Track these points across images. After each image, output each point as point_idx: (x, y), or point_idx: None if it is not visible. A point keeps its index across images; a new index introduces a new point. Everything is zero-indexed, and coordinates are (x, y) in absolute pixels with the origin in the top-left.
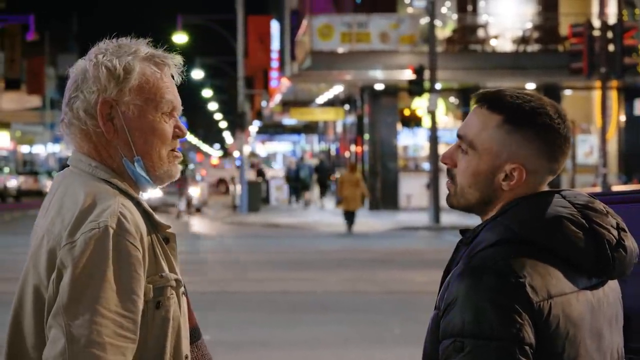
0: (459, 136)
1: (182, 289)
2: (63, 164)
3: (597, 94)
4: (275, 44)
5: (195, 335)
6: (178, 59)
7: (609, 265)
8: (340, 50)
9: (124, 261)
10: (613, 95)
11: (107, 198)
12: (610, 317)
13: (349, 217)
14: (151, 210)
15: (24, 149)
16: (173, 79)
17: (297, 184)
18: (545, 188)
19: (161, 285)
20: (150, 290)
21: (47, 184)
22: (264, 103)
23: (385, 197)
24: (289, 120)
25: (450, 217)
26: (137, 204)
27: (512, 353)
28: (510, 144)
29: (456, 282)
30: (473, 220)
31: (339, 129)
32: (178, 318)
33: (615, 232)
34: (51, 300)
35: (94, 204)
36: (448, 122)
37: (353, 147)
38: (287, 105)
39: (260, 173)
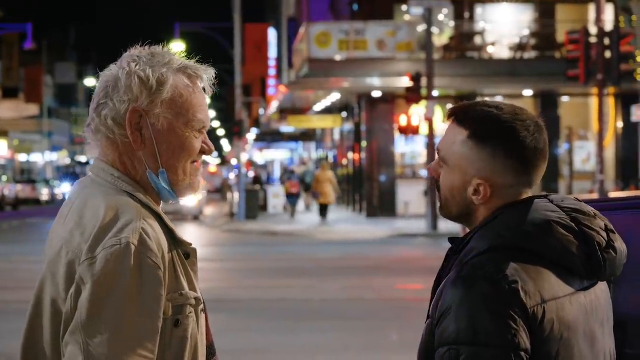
0: (437, 150)
1: (202, 306)
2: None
3: (594, 101)
4: (272, 52)
5: (211, 352)
6: (211, 72)
7: (600, 267)
8: (338, 57)
9: (145, 279)
10: (610, 101)
11: (130, 212)
12: (602, 319)
13: (323, 209)
14: (173, 226)
15: (22, 157)
16: (205, 91)
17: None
18: (529, 195)
19: (180, 303)
20: (170, 308)
21: (44, 192)
22: (261, 111)
23: (382, 204)
24: (286, 128)
25: (447, 225)
26: (160, 219)
27: (509, 359)
28: (476, 161)
29: (449, 290)
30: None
31: (337, 136)
32: (196, 337)
33: (604, 234)
34: (69, 315)
35: (116, 218)
36: (445, 130)
37: (350, 155)
38: (285, 112)
39: (258, 180)
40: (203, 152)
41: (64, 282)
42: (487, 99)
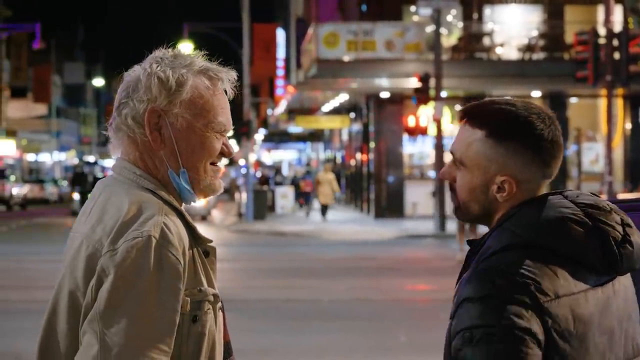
0: (451, 152)
1: (220, 304)
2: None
3: (602, 102)
4: (281, 52)
5: (227, 351)
6: (232, 74)
7: (616, 262)
8: (346, 58)
9: (164, 272)
10: (619, 103)
11: (152, 208)
12: (621, 314)
13: (324, 208)
14: (194, 223)
15: (30, 157)
16: (226, 93)
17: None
18: (544, 191)
19: (199, 299)
20: (188, 303)
21: (53, 192)
22: (269, 111)
23: (391, 205)
24: (294, 128)
25: (455, 225)
26: (181, 216)
27: (523, 340)
28: (497, 158)
29: (464, 286)
30: (480, 228)
31: (345, 137)
32: (213, 333)
33: (620, 229)
34: (88, 306)
35: (138, 213)
36: (454, 130)
37: (358, 155)
38: (293, 113)
39: (266, 181)
40: (223, 154)
41: (82, 274)
42: None
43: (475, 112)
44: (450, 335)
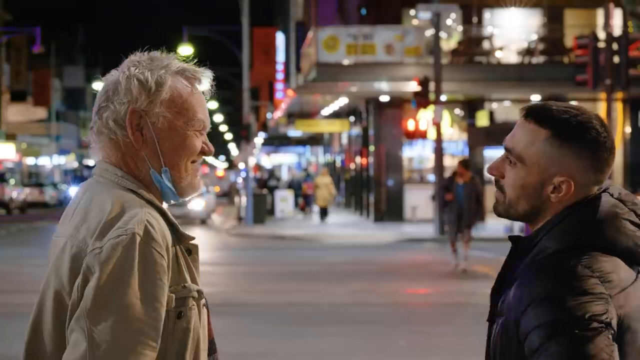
0: (506, 149)
1: (203, 300)
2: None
3: (602, 106)
4: (280, 56)
5: (212, 348)
6: (209, 74)
7: None
8: (346, 62)
9: (149, 269)
10: (618, 107)
11: (135, 206)
12: None
13: (323, 211)
14: (176, 222)
15: (30, 160)
16: (203, 94)
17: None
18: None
19: (183, 295)
20: (173, 300)
21: (52, 195)
22: (269, 115)
23: (390, 208)
24: (294, 132)
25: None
26: (163, 214)
27: (603, 332)
28: (559, 158)
29: (531, 286)
30: (485, 232)
31: (344, 140)
32: (198, 329)
33: None
34: (74, 305)
35: (121, 212)
36: (453, 134)
37: (358, 159)
38: (293, 117)
39: (264, 185)
40: (203, 152)
41: (68, 274)
42: (494, 104)
43: (542, 112)
44: (510, 331)
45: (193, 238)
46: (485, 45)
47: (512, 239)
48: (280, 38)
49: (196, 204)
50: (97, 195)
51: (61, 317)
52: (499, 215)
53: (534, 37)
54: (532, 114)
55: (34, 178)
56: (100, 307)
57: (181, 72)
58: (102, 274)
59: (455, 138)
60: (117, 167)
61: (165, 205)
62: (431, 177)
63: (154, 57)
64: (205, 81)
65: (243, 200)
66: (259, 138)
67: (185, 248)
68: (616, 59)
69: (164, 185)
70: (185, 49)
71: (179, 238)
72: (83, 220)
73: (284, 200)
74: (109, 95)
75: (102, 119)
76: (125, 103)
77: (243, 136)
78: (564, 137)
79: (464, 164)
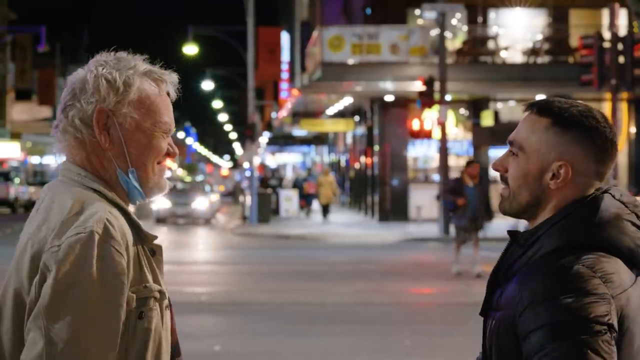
0: (509, 142)
1: (166, 302)
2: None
3: (607, 106)
4: (285, 55)
5: (176, 352)
6: (174, 77)
7: None
8: (351, 61)
9: (108, 267)
10: (623, 107)
11: (95, 205)
12: None
13: (325, 209)
14: (138, 221)
15: (35, 159)
16: (169, 95)
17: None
18: (593, 190)
19: (145, 295)
20: (134, 300)
21: None
22: (274, 114)
23: (395, 208)
24: (299, 132)
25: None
26: (125, 213)
27: (605, 333)
28: (558, 145)
29: (531, 285)
30: (491, 232)
31: (349, 140)
32: (160, 331)
33: None
34: (32, 304)
35: (81, 210)
36: (458, 134)
37: (363, 159)
38: (297, 116)
39: (268, 184)
40: (168, 154)
41: (27, 273)
42: (499, 104)
43: (542, 104)
44: (508, 326)
45: (156, 237)
46: (491, 45)
47: (511, 233)
48: (285, 38)
49: (200, 203)
50: (59, 194)
51: (20, 316)
52: (504, 212)
53: (539, 37)
54: (534, 106)
55: (38, 177)
56: (58, 305)
57: (148, 73)
58: (60, 271)
59: (460, 138)
60: (80, 167)
61: (131, 207)
62: (436, 177)
63: (120, 57)
64: (171, 83)
65: (247, 199)
66: (264, 137)
67: (149, 249)
68: (621, 59)
69: (130, 186)
70: (191, 49)
71: (142, 238)
72: (44, 220)
73: (289, 200)
74: (76, 93)
75: (68, 117)
76: (92, 102)
77: (248, 135)
78: (564, 124)
79: (477, 165)
